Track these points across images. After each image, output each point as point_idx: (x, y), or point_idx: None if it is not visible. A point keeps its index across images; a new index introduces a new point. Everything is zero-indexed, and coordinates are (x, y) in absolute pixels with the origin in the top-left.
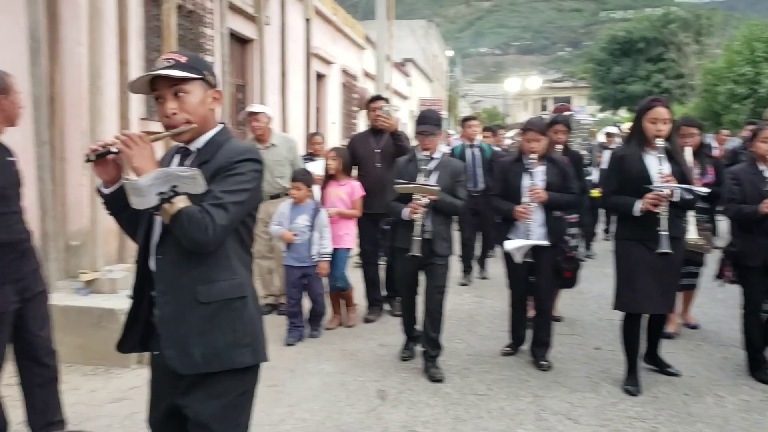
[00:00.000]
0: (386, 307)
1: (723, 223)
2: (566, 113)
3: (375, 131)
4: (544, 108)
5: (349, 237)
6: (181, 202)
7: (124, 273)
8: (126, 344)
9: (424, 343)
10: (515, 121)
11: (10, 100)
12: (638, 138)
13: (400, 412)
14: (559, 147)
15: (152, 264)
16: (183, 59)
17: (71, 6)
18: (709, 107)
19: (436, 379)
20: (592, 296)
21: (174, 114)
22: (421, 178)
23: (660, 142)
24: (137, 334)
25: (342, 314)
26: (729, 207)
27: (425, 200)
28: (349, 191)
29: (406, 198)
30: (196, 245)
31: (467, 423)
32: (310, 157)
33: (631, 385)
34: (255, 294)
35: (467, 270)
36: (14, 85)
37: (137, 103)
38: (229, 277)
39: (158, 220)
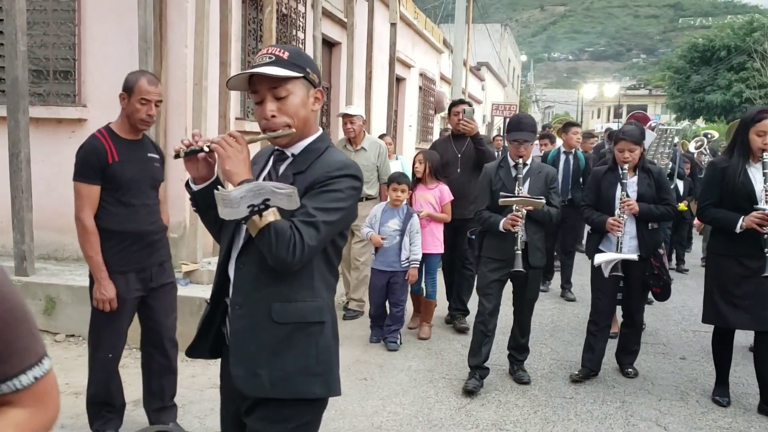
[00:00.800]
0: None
1: None
2: (652, 124)
3: (456, 136)
4: (618, 115)
5: (439, 242)
6: (271, 216)
7: None
8: (195, 350)
9: (512, 348)
10: (587, 128)
11: (132, 102)
12: (742, 150)
13: (489, 411)
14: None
15: (231, 272)
16: (285, 54)
17: (179, 9)
18: None
19: (523, 381)
20: (674, 307)
21: (273, 117)
22: (517, 188)
23: (766, 156)
24: (209, 340)
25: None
26: None
27: (524, 211)
28: (438, 195)
29: (497, 206)
30: (280, 263)
31: (556, 424)
32: None
33: (721, 395)
34: (335, 321)
35: (548, 277)
36: (144, 88)
37: (233, 102)
38: (309, 298)
39: (244, 226)
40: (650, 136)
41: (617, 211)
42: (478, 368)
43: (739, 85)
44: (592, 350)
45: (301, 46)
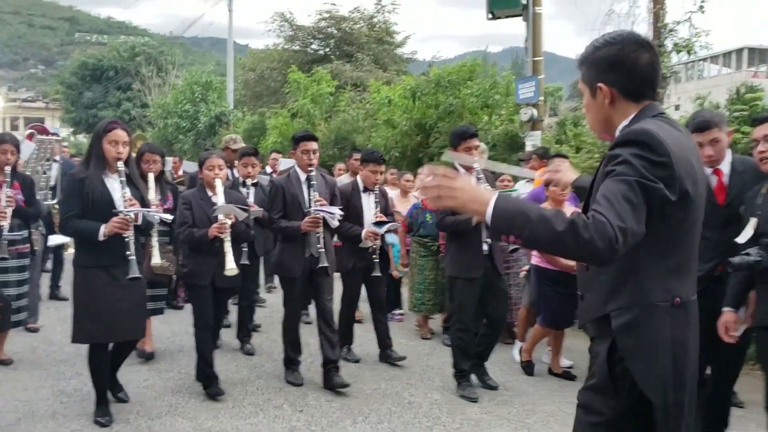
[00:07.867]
0: None
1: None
2: (50, 137)
3: None
4: (15, 128)
5: None
6: None
7: None
8: None
9: None
10: None
11: None
12: (98, 160)
13: None
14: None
15: None
16: None
17: None
18: (163, 136)
19: None
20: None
21: None
22: None
23: (121, 165)
24: None
25: None
26: (181, 231)
27: None
28: None
29: None
30: None
31: None
32: None
33: (102, 416)
34: None
35: None
36: None
37: None
38: None
39: None
40: (29, 148)
41: None
42: None
43: (127, 103)
44: None
45: None
